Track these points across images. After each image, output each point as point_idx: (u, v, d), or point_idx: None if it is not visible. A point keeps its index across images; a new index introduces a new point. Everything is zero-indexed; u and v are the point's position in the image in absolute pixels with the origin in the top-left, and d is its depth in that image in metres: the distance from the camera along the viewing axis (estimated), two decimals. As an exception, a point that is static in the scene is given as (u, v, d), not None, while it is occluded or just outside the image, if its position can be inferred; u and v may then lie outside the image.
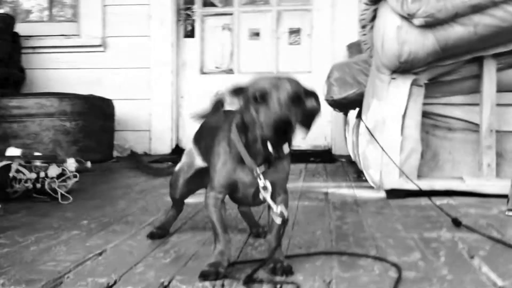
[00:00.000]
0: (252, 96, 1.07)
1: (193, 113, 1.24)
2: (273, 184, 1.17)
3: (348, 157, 4.12)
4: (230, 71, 4.67)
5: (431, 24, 1.87)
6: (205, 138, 1.37)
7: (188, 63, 4.68)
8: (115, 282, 1.08)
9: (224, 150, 1.19)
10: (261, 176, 1.15)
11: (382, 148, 2.08)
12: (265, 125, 1.03)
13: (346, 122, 3.86)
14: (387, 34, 1.95)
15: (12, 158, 2.21)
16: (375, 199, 2.11)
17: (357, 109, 2.94)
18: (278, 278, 1.11)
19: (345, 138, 3.97)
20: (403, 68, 2.00)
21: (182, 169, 1.50)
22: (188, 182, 1.48)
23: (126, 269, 1.17)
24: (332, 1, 4.43)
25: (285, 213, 1.18)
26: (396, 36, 1.92)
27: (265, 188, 1.15)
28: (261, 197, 1.17)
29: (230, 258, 1.18)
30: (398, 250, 1.33)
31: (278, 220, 1.17)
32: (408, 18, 1.88)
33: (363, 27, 2.23)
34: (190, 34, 4.69)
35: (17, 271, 1.16)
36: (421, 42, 1.90)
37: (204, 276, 1.09)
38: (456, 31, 1.89)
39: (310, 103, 1.16)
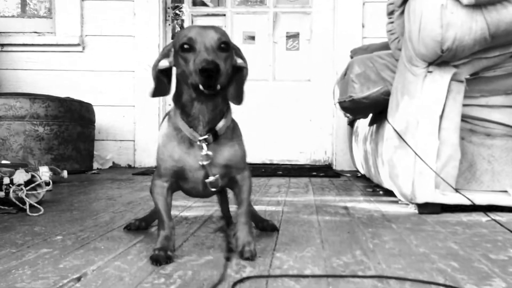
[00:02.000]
0: (180, 46, 1.09)
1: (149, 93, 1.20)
2: (228, 167, 1.21)
3: (353, 172, 3.87)
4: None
5: (482, 3, 1.62)
6: None
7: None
8: (100, 320, 0.78)
9: (164, 133, 1.21)
10: (204, 146, 1.15)
11: (416, 153, 1.81)
12: (194, 71, 1.05)
13: (352, 133, 3.61)
14: (427, 16, 1.69)
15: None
16: (406, 214, 1.84)
17: (370, 116, 2.69)
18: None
19: (351, 151, 3.71)
20: (444, 58, 1.74)
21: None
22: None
23: (116, 301, 0.87)
24: (333, 3, 4.25)
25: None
26: (440, 17, 1.66)
27: (207, 156, 1.16)
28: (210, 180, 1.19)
29: (175, 243, 1.22)
30: (471, 276, 1.05)
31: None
32: (455, -5, 1.63)
33: (391, 13, 1.98)
34: (176, 34, 4.42)
35: (-39, 303, 0.85)
36: (469, 26, 1.65)
37: (156, 261, 1.11)
38: (511, 14, 1.64)
39: (237, 58, 1.19)
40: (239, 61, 1.19)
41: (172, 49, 1.15)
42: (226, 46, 1.10)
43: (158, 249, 1.14)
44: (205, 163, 1.16)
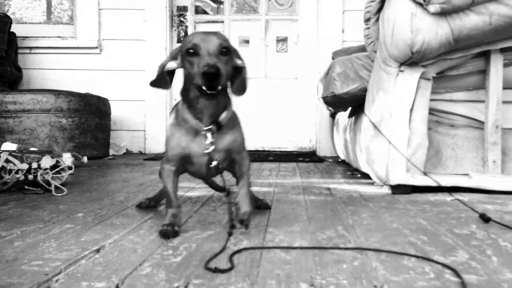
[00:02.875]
0: (186, 51, 1.08)
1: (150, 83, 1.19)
2: (229, 151, 1.19)
3: (334, 158, 3.85)
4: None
5: (447, 11, 1.60)
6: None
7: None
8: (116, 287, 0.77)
9: (172, 123, 1.19)
10: (209, 136, 1.14)
11: (389, 141, 1.80)
12: (197, 73, 1.04)
13: (333, 124, 3.59)
14: (399, 23, 1.67)
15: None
16: (381, 195, 1.83)
17: (349, 109, 2.67)
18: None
19: (332, 139, 3.70)
20: (413, 59, 1.72)
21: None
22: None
23: (130, 270, 0.85)
24: (317, 11, 4.20)
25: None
26: (410, 24, 1.64)
27: (212, 144, 1.14)
28: (214, 165, 1.16)
29: (181, 220, 1.21)
30: (438, 248, 1.04)
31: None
32: (423, 4, 1.61)
33: (367, 20, 1.95)
34: (183, 39, 4.37)
35: (-6, 273, 0.83)
36: (435, 31, 1.63)
37: (164, 235, 1.10)
38: (471, 20, 1.62)
39: (237, 59, 1.17)
40: (239, 62, 1.17)
41: (179, 53, 1.13)
42: (226, 50, 1.09)
43: (167, 225, 1.13)
44: (209, 150, 1.14)
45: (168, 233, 1.10)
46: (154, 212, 1.42)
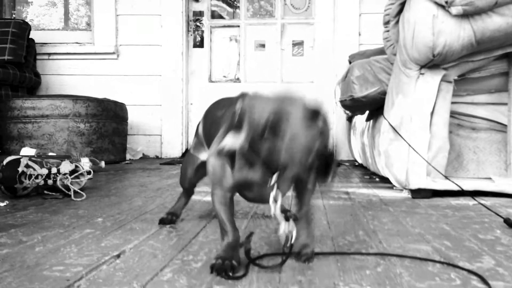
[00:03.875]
0: (257, 133, 0.78)
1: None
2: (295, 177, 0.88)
3: (351, 161, 3.83)
4: (237, 80, 4.39)
5: (469, 13, 1.57)
6: (209, 129, 1.10)
7: (197, 72, 4.39)
8: (138, 293, 0.76)
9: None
10: (276, 186, 0.86)
11: (409, 145, 1.77)
12: (293, 158, 0.75)
13: (350, 128, 3.56)
14: (420, 25, 1.65)
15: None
16: (401, 199, 1.80)
17: (367, 112, 2.65)
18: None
19: (349, 143, 3.67)
20: (435, 62, 1.70)
21: (190, 159, 1.29)
22: (197, 171, 1.28)
23: (151, 276, 0.85)
24: (333, 15, 4.19)
25: (293, 234, 0.91)
26: (431, 26, 1.62)
27: (275, 200, 0.87)
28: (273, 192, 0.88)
29: (239, 254, 0.92)
30: (463, 254, 1.02)
31: (282, 236, 0.91)
32: (445, 6, 1.58)
33: (387, 23, 1.94)
34: (199, 44, 4.40)
35: (16, 278, 0.83)
36: (457, 33, 1.61)
37: (220, 271, 0.85)
38: (494, 22, 1.59)
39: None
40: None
41: (244, 133, 0.82)
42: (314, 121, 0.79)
43: (222, 258, 0.88)
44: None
45: (226, 268, 0.86)
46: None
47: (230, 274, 0.85)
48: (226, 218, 0.95)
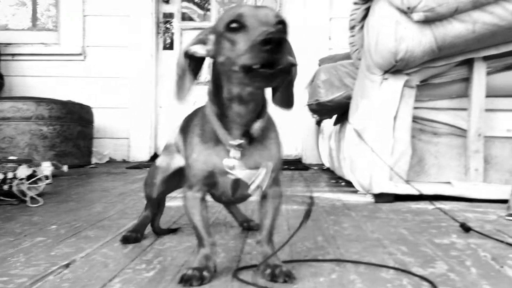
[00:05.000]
0: (226, 27, 0.77)
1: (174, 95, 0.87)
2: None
3: (320, 165, 3.85)
4: (208, 83, 4.35)
5: (431, 19, 1.60)
6: (185, 133, 1.03)
7: (167, 75, 4.34)
8: (83, 305, 0.74)
9: (196, 137, 0.89)
10: (234, 151, 0.85)
11: (372, 149, 1.79)
12: (248, 49, 0.72)
13: (319, 132, 3.59)
14: (383, 31, 1.67)
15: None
16: (364, 203, 1.82)
17: (334, 116, 2.67)
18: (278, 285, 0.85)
19: (317, 147, 3.70)
20: (397, 67, 1.72)
21: (161, 166, 1.17)
22: (167, 181, 1.16)
23: (99, 286, 0.82)
24: (303, 18, 4.20)
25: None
26: (394, 32, 1.64)
27: (232, 167, 0.86)
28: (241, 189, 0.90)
29: (215, 263, 0.91)
30: (418, 259, 1.03)
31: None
32: (407, 12, 1.60)
33: (352, 28, 1.95)
34: (169, 46, 4.36)
35: (-46, 291, 0.80)
36: (419, 40, 1.63)
37: (186, 281, 0.83)
38: (455, 28, 1.62)
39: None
40: (289, 58, 0.78)
41: (212, 35, 0.83)
42: (283, 28, 0.81)
43: (194, 269, 0.85)
44: (235, 169, 0.86)
45: (193, 279, 0.83)
46: (132, 223, 1.39)
47: (195, 284, 0.82)
48: (200, 223, 0.91)
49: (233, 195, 0.93)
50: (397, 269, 0.94)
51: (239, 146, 0.85)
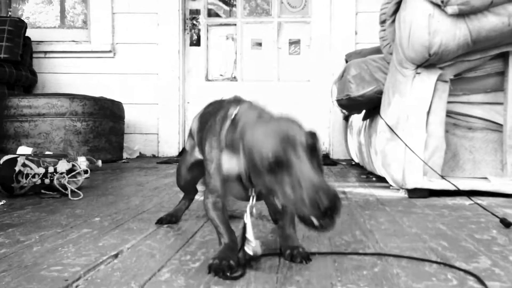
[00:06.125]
0: (263, 165, 0.79)
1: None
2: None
3: (348, 161, 3.83)
4: (233, 79, 4.39)
5: (465, 12, 1.58)
6: (201, 130, 1.12)
7: (194, 70, 4.38)
8: (137, 294, 0.77)
9: (217, 154, 0.94)
10: (254, 197, 0.90)
11: (406, 144, 1.78)
12: (301, 201, 0.74)
13: (347, 127, 3.57)
14: (416, 24, 1.65)
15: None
16: (397, 198, 1.81)
17: (363, 111, 2.65)
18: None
19: (346, 142, 3.68)
20: (431, 61, 1.70)
21: (185, 157, 1.30)
22: (191, 170, 1.28)
23: (149, 276, 0.85)
24: (329, 13, 4.18)
25: (259, 250, 0.90)
26: (427, 25, 1.62)
27: (251, 212, 0.91)
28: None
29: (237, 254, 0.92)
30: (459, 254, 1.02)
31: (250, 252, 0.90)
32: (441, 5, 1.59)
33: (383, 22, 1.94)
34: (196, 42, 4.40)
35: (14, 278, 0.83)
36: (453, 33, 1.61)
37: (217, 271, 0.85)
38: (490, 22, 1.60)
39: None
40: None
41: (242, 155, 0.84)
42: (315, 149, 0.82)
43: (219, 258, 0.88)
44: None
45: (223, 268, 0.85)
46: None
47: (228, 274, 0.85)
48: (220, 222, 0.96)
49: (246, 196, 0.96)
50: (441, 263, 0.94)
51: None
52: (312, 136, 0.83)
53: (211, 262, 0.88)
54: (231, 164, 0.86)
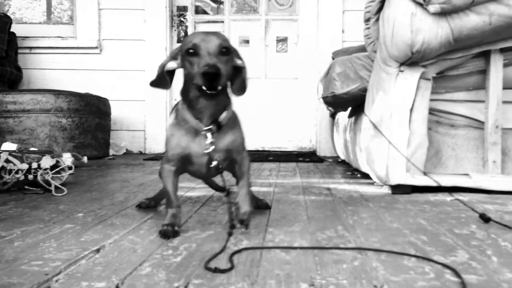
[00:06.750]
0: (186, 51, 1.08)
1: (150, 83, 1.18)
2: (229, 151, 1.19)
3: (334, 158, 3.86)
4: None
5: (447, 11, 1.60)
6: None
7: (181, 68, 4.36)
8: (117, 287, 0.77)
9: (172, 123, 1.18)
10: (209, 136, 1.14)
11: (389, 141, 1.80)
12: (197, 74, 1.04)
13: (333, 124, 3.59)
14: (399, 23, 1.67)
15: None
16: (381, 195, 1.83)
17: (349, 109, 2.67)
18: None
19: (332, 139, 3.70)
20: (413, 59, 1.72)
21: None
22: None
23: (130, 270, 0.85)
24: (317, 11, 4.20)
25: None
26: (410, 24, 1.64)
27: (212, 144, 1.14)
28: (214, 165, 1.17)
29: (180, 220, 1.20)
30: (438, 248, 1.04)
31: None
32: (423, 4, 1.61)
33: (367, 20, 1.95)
34: (183, 39, 4.38)
35: (-6, 273, 0.83)
36: (435, 31, 1.63)
37: (164, 235, 1.10)
38: (472, 20, 1.62)
39: (237, 59, 1.17)
40: (239, 62, 1.16)
41: (179, 53, 1.13)
42: (226, 50, 1.09)
43: (167, 225, 1.13)
44: (209, 150, 1.14)
45: (168, 233, 1.10)
46: (154, 212, 1.42)
47: (172, 236, 1.10)
48: (171, 191, 1.19)
49: (206, 172, 1.20)
50: (419, 257, 0.96)
51: (209, 130, 1.14)
52: (226, 41, 1.10)
53: (160, 228, 1.12)
54: (172, 63, 1.14)
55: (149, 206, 1.48)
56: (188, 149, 1.15)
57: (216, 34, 1.10)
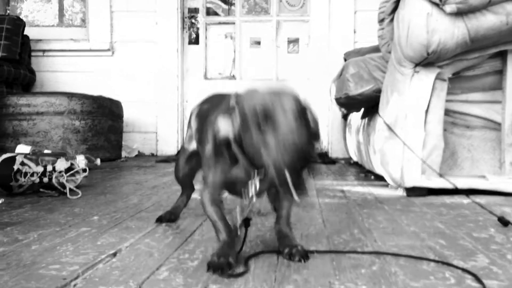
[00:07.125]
0: (252, 118, 0.81)
1: None
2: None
3: (346, 159, 3.83)
4: (232, 77, 4.39)
5: (463, 11, 1.58)
6: (199, 122, 1.13)
7: (193, 69, 4.38)
8: (135, 292, 0.77)
9: (213, 149, 0.95)
10: (257, 182, 0.90)
11: (404, 143, 1.78)
12: (279, 157, 0.77)
13: (345, 125, 3.57)
14: (415, 23, 1.65)
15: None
16: (396, 197, 1.81)
17: (362, 110, 2.65)
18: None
19: (344, 140, 3.68)
20: (429, 60, 1.70)
21: (183, 148, 1.30)
22: (189, 160, 1.28)
23: (147, 274, 0.85)
24: (328, 12, 4.18)
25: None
26: (426, 24, 1.62)
27: (257, 193, 0.92)
28: (252, 188, 0.92)
29: (236, 249, 0.94)
30: (457, 252, 1.03)
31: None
32: (439, 4, 1.59)
33: (381, 21, 1.94)
34: (194, 41, 4.39)
35: (12, 276, 0.83)
36: (451, 32, 1.61)
37: (216, 269, 0.85)
38: (488, 20, 1.60)
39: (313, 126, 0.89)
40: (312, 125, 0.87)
41: (238, 120, 0.86)
42: (305, 119, 0.83)
43: (218, 255, 0.88)
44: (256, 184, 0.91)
45: (222, 266, 0.85)
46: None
47: (229, 272, 0.85)
48: (218, 218, 0.97)
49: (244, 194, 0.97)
50: (438, 262, 0.95)
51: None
52: (303, 104, 0.85)
53: (210, 260, 0.88)
54: (225, 125, 0.88)
55: (170, 220, 1.31)
56: (231, 176, 0.95)
57: (287, 94, 0.84)
